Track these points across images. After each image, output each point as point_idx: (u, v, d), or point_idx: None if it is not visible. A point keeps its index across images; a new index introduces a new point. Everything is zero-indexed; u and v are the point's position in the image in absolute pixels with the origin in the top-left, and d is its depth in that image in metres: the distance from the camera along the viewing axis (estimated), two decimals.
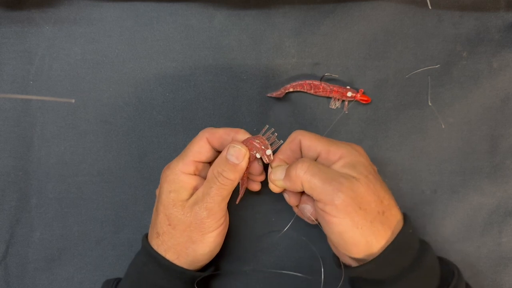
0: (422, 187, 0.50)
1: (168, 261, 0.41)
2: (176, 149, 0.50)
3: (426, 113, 0.50)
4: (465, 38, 0.49)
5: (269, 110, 0.50)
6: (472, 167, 0.50)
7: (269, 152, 0.43)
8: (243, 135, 0.43)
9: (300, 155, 0.43)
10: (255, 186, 0.46)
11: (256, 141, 0.42)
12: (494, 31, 0.49)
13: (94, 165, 0.50)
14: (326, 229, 0.39)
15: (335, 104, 0.49)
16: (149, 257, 0.42)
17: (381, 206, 0.38)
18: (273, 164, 0.43)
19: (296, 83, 0.49)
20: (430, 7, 0.47)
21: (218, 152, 0.44)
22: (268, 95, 0.49)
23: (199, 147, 0.43)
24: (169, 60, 0.50)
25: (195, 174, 0.43)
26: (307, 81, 0.48)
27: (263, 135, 0.44)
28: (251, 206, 0.50)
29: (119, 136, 0.50)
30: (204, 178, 0.43)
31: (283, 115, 0.50)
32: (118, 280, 0.44)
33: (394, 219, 0.39)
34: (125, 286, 0.43)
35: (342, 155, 0.40)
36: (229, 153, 0.41)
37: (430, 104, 0.50)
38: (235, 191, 0.44)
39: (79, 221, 0.50)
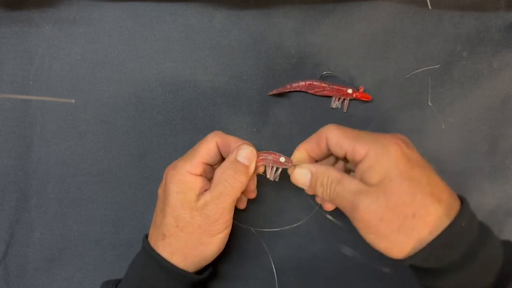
0: None
1: (169, 263, 0.40)
2: (176, 149, 0.50)
3: (426, 113, 0.50)
4: (465, 38, 0.49)
5: (269, 110, 0.50)
6: (472, 167, 0.50)
7: (283, 159, 0.42)
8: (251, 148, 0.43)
9: (326, 152, 0.42)
10: (243, 203, 0.46)
11: (265, 155, 0.42)
12: (494, 31, 0.49)
13: (94, 165, 0.50)
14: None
15: (335, 104, 0.49)
16: (149, 259, 0.41)
17: (409, 208, 0.35)
18: (296, 155, 0.42)
19: (297, 83, 0.49)
20: (430, 7, 0.47)
21: (223, 158, 0.44)
22: (270, 93, 0.49)
23: (208, 150, 0.42)
24: (169, 60, 0.50)
25: (201, 176, 0.42)
26: (307, 81, 0.48)
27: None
28: (251, 207, 0.50)
29: (119, 136, 0.50)
30: (209, 180, 0.43)
31: (283, 115, 0.50)
32: (117, 281, 0.44)
33: (431, 218, 0.35)
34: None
35: (366, 155, 0.37)
36: (239, 154, 0.41)
37: (430, 104, 0.50)
38: None
39: (79, 221, 0.50)
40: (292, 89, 0.49)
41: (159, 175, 0.50)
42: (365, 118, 0.50)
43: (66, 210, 0.50)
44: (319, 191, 0.40)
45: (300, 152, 0.42)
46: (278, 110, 0.50)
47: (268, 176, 0.43)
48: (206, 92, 0.50)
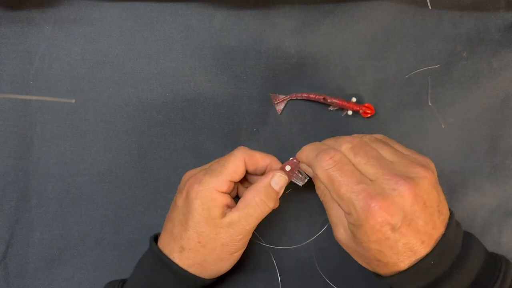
0: None
1: (184, 270, 0.41)
2: (176, 149, 0.50)
3: (426, 113, 0.50)
4: (465, 38, 0.49)
5: (269, 110, 0.50)
6: (472, 167, 0.50)
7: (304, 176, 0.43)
8: (276, 163, 0.43)
9: None
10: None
11: (289, 169, 0.43)
12: (494, 31, 0.49)
13: (94, 165, 0.50)
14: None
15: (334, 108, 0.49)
16: (159, 264, 0.41)
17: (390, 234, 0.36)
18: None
19: (300, 95, 0.49)
20: (430, 7, 0.47)
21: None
22: (274, 99, 0.49)
23: (236, 167, 0.41)
24: (169, 60, 0.50)
25: (226, 193, 0.42)
26: (311, 95, 0.49)
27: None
28: None
29: (119, 136, 0.50)
30: (230, 195, 0.43)
31: (283, 115, 0.50)
32: (123, 282, 0.44)
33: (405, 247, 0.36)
34: None
35: (350, 214, 0.37)
36: (274, 181, 0.41)
37: (430, 104, 0.50)
38: None
39: (79, 221, 0.50)
40: (295, 97, 0.49)
41: (159, 175, 0.50)
42: (365, 118, 0.50)
43: (66, 210, 0.50)
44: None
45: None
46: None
47: (300, 184, 0.44)
48: (206, 92, 0.50)
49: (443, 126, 0.50)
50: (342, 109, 0.49)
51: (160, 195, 0.50)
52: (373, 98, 0.49)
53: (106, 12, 0.49)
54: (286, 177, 0.42)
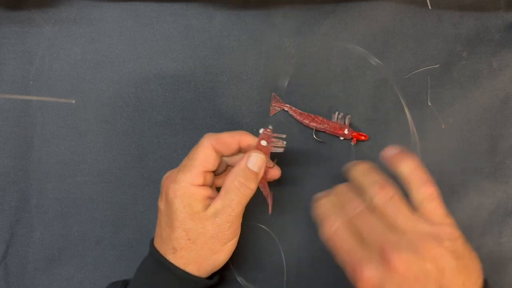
0: None
1: (183, 271, 0.40)
2: (176, 149, 0.50)
3: (426, 113, 0.50)
4: (465, 38, 0.49)
5: (269, 110, 0.50)
6: (472, 167, 0.50)
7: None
8: (248, 137, 0.42)
9: None
10: (277, 172, 0.44)
11: (264, 142, 0.42)
12: (494, 31, 0.49)
13: (94, 165, 0.50)
14: None
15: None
16: (160, 267, 0.41)
17: None
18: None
19: (298, 112, 0.49)
20: (430, 7, 0.48)
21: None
22: (273, 100, 0.49)
23: (206, 156, 0.41)
24: (169, 60, 0.50)
25: (204, 185, 0.41)
26: (305, 120, 0.49)
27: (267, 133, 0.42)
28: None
29: (119, 136, 0.50)
30: (210, 186, 0.42)
31: (283, 115, 0.50)
32: (125, 283, 0.44)
33: None
34: None
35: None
36: (250, 162, 0.40)
37: (430, 104, 0.50)
38: None
39: (79, 221, 0.50)
40: (289, 111, 0.49)
41: (159, 175, 0.50)
42: (365, 119, 0.50)
43: (66, 210, 0.50)
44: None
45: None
46: (279, 110, 0.50)
47: (281, 151, 0.43)
48: (206, 92, 0.50)
49: (443, 126, 0.50)
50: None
51: None
52: (373, 98, 0.49)
53: (106, 12, 0.49)
54: (263, 156, 0.41)
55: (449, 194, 0.50)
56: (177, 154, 0.50)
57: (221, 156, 0.42)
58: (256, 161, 0.41)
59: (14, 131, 0.50)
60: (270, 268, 0.49)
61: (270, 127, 0.42)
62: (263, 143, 0.42)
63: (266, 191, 0.43)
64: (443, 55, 0.49)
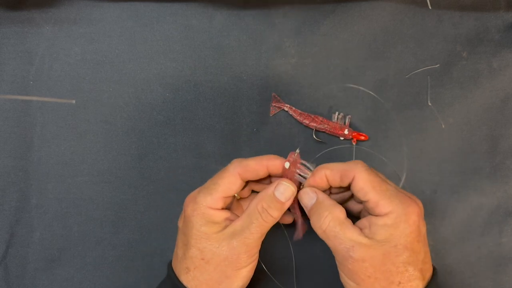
0: (422, 187, 0.50)
1: None
2: (176, 149, 0.50)
3: (426, 113, 0.50)
4: (465, 38, 0.49)
5: (269, 110, 0.50)
6: (472, 167, 0.50)
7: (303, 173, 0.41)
8: (276, 161, 0.41)
9: (345, 186, 0.41)
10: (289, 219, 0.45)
11: (297, 171, 0.41)
12: (494, 31, 0.49)
13: (94, 165, 0.50)
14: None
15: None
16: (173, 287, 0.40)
17: (398, 277, 0.37)
18: (317, 180, 0.41)
19: (297, 112, 0.49)
20: (430, 7, 0.48)
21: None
22: (273, 100, 0.49)
23: (229, 184, 0.40)
24: (169, 60, 0.50)
25: (223, 209, 0.40)
26: (305, 120, 0.49)
27: (298, 159, 0.41)
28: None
29: (119, 136, 0.50)
30: (229, 208, 0.42)
31: (283, 115, 0.50)
32: None
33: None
34: None
35: (387, 214, 0.37)
36: (278, 190, 0.40)
37: (430, 104, 0.50)
38: None
39: (79, 221, 0.50)
40: (289, 111, 0.49)
41: (159, 175, 0.50)
42: (365, 118, 0.50)
43: (66, 210, 0.50)
44: (313, 219, 0.39)
45: (321, 179, 0.41)
46: (279, 111, 0.50)
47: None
48: (206, 92, 0.50)
49: (443, 126, 0.50)
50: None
51: (160, 195, 0.50)
52: (373, 98, 0.49)
53: (106, 12, 0.49)
54: (293, 188, 0.40)
55: (449, 194, 0.50)
56: (177, 154, 0.50)
57: (246, 181, 0.42)
58: (284, 191, 0.40)
59: (14, 131, 0.50)
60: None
61: (298, 150, 0.41)
62: (286, 165, 0.40)
63: (296, 216, 0.43)
64: (443, 55, 0.49)
